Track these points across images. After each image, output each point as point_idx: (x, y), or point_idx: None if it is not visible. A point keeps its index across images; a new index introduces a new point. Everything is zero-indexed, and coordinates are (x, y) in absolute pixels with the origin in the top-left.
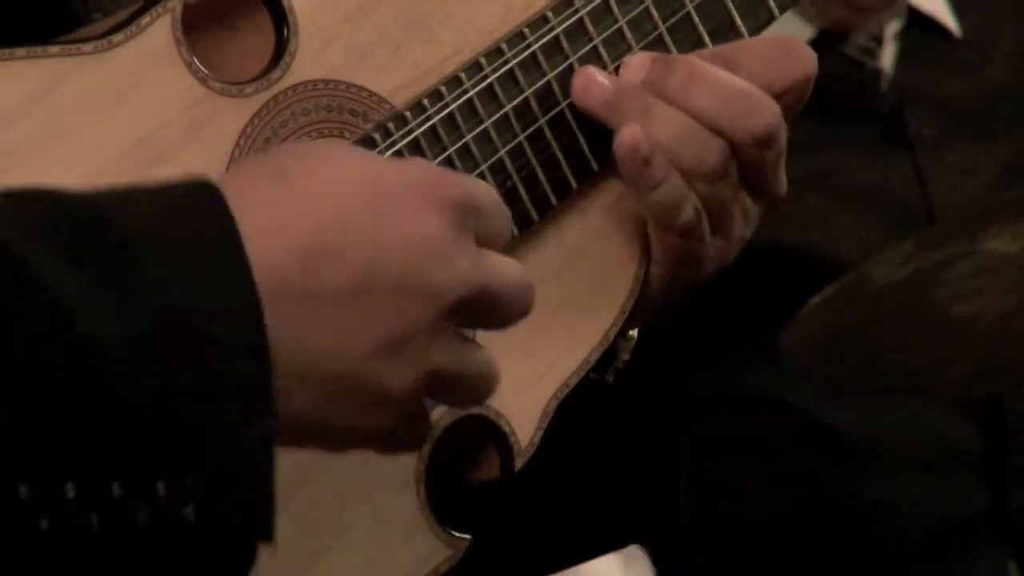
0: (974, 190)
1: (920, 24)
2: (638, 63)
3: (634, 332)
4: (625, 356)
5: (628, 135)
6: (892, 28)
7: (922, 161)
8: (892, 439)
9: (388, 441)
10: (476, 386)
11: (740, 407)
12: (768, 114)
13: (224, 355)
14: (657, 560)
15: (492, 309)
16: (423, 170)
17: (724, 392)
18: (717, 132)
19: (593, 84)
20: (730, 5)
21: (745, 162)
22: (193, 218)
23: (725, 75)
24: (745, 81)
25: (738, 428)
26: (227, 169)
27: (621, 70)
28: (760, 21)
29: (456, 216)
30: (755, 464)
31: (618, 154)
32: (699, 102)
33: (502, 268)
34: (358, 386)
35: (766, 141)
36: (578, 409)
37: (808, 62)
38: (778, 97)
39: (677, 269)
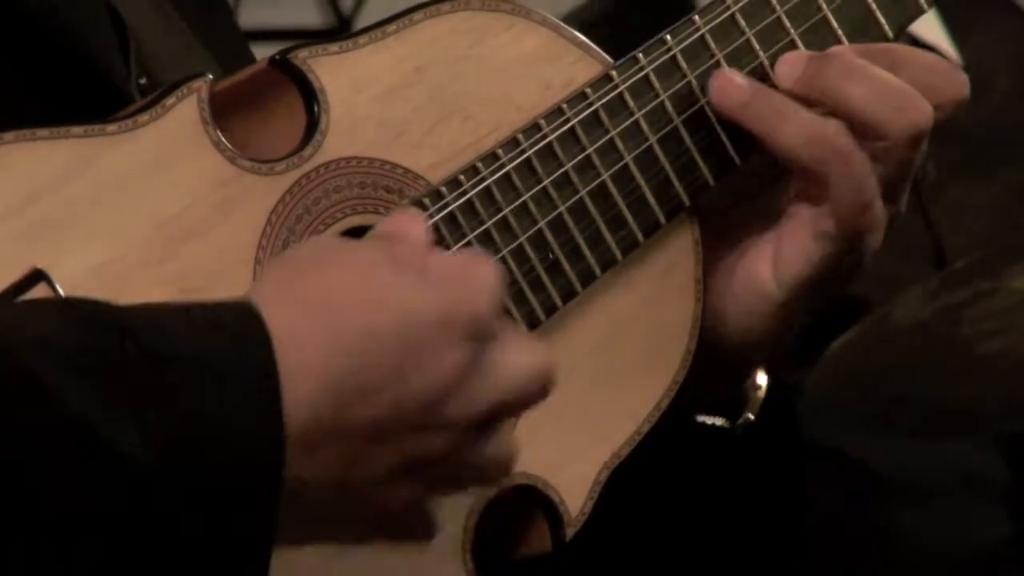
0: (977, 224)
1: None
2: (793, 60)
3: (763, 382)
4: (755, 408)
5: (828, 128)
6: None
7: (926, 197)
8: (916, 471)
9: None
10: (488, 477)
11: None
12: (924, 111)
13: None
14: None
15: (512, 411)
16: (445, 295)
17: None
18: (870, 124)
19: (731, 86)
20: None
21: (893, 160)
22: (236, 355)
23: (881, 71)
24: (903, 81)
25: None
26: (257, 247)
27: (776, 67)
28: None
29: (473, 340)
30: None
31: (814, 151)
32: (855, 92)
33: (514, 371)
34: (374, 505)
35: (917, 138)
36: (707, 457)
37: (965, 87)
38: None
39: (819, 270)
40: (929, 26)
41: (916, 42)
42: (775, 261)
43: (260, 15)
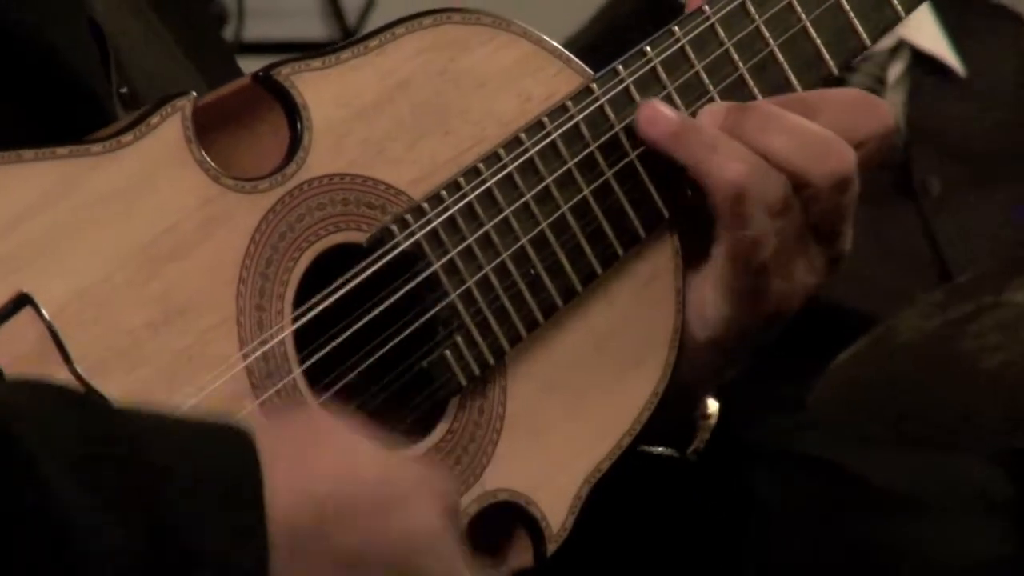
0: (983, 237)
1: (925, 66)
2: (715, 110)
3: (714, 409)
4: (706, 436)
5: (731, 173)
6: (895, 71)
7: (929, 212)
8: (919, 486)
9: None
10: None
11: (766, 459)
12: (845, 157)
13: None
14: None
15: None
16: (424, 469)
17: (745, 448)
18: (793, 173)
19: (660, 116)
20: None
21: (819, 207)
22: (223, 462)
23: (801, 119)
24: (822, 127)
25: (764, 480)
26: (241, 266)
27: (698, 116)
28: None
29: (451, 511)
30: (782, 515)
31: (715, 191)
32: (775, 144)
33: None
34: None
35: (842, 184)
36: (658, 485)
37: (887, 117)
38: (856, 148)
39: (742, 309)
40: (929, 35)
41: (917, 54)
42: (698, 300)
43: (264, 27)
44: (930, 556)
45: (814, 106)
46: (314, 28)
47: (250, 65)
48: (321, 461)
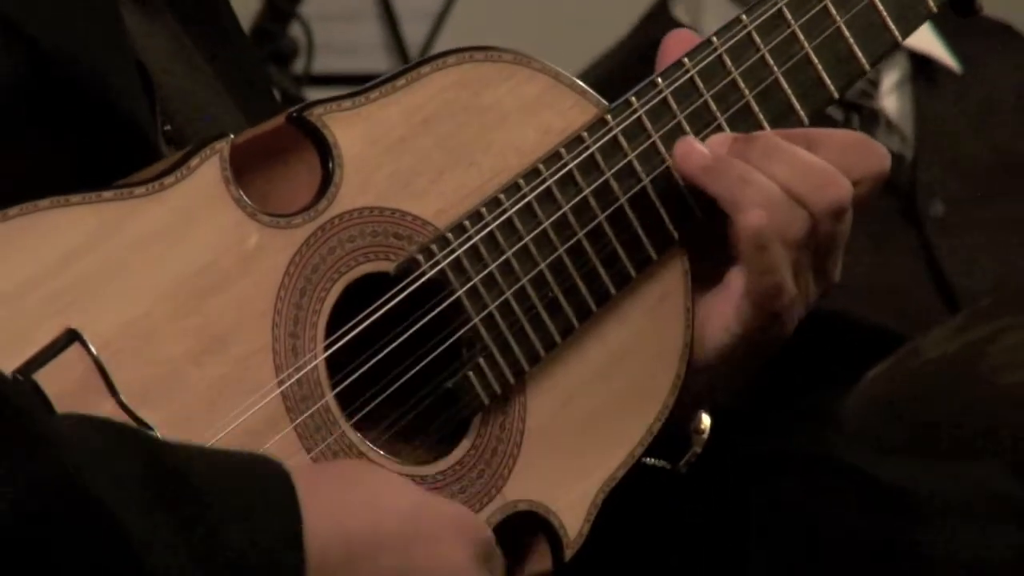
0: (985, 257)
1: (925, 71)
2: (720, 140)
3: (706, 424)
4: (698, 448)
5: (753, 220)
6: (891, 77)
7: (933, 234)
8: (950, 493)
9: None
10: None
11: (796, 467)
12: (843, 188)
13: None
14: None
15: None
16: (461, 509)
17: (780, 453)
18: (798, 202)
19: (693, 151)
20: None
21: (819, 236)
22: (263, 491)
23: (802, 151)
24: (820, 159)
25: (795, 488)
26: (276, 298)
27: (705, 145)
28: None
29: (482, 553)
30: (813, 523)
31: (741, 236)
32: (777, 172)
33: None
34: None
35: (840, 213)
36: (649, 497)
37: (884, 159)
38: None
39: (746, 344)
40: (924, 39)
41: (917, 60)
42: (702, 327)
43: (332, 61)
44: (960, 565)
45: (815, 141)
46: (379, 61)
47: (319, 95)
48: (356, 498)
